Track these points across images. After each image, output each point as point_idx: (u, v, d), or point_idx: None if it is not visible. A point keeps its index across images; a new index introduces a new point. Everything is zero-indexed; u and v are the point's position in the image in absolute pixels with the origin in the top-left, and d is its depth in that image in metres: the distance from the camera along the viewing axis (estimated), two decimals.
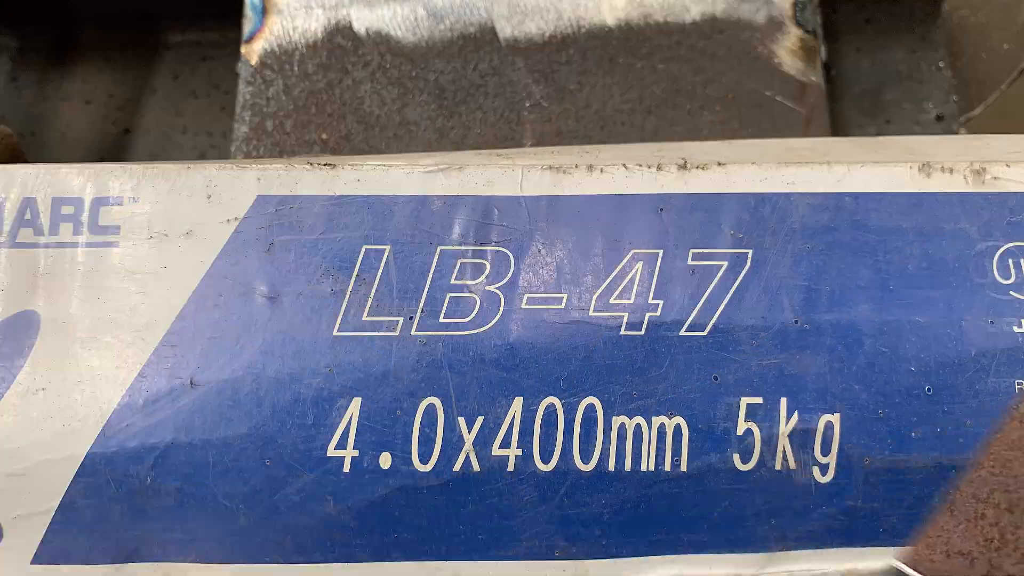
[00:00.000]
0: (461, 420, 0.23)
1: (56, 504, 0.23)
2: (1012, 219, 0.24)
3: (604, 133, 0.36)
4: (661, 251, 0.24)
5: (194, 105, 0.43)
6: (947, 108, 0.41)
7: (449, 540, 0.23)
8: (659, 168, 0.24)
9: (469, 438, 0.23)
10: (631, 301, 0.23)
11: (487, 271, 0.24)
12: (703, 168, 0.24)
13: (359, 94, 0.37)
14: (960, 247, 0.24)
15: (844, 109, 0.41)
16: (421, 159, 0.25)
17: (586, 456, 0.23)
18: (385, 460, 0.23)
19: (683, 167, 0.24)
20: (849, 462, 0.23)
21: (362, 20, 0.38)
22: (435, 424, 0.23)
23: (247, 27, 0.38)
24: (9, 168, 0.24)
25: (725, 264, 0.24)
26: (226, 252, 0.24)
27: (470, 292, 0.24)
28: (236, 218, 0.24)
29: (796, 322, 0.23)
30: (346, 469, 0.23)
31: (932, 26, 0.42)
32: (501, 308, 0.23)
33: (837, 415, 0.23)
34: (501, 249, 0.24)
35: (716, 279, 0.24)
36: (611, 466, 0.23)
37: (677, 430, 0.23)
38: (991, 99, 0.40)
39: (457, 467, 0.23)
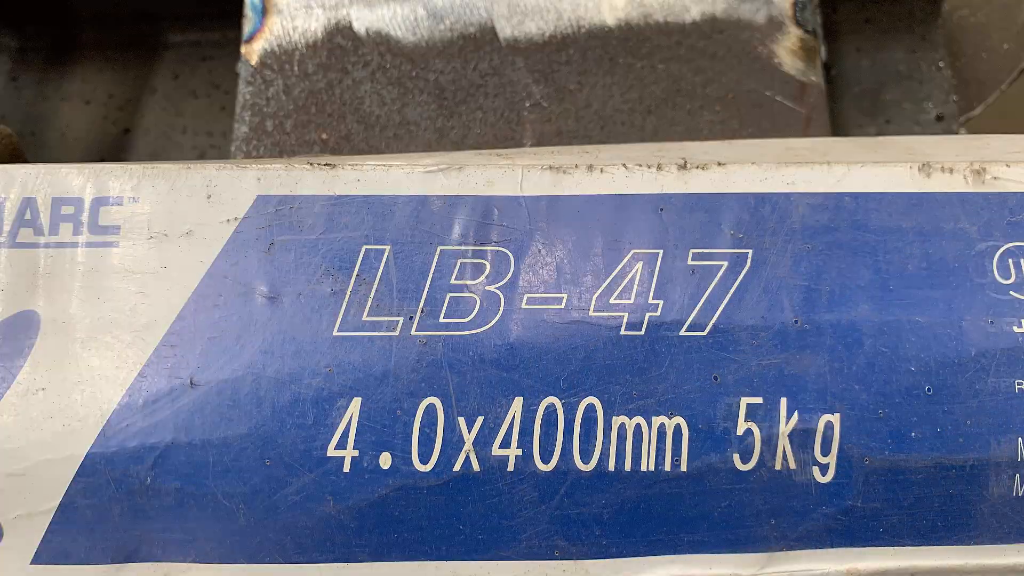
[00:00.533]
0: (461, 420, 0.23)
1: (56, 504, 0.23)
2: (1012, 219, 0.24)
3: (604, 133, 0.36)
4: (661, 251, 0.24)
5: (194, 105, 0.43)
6: (947, 108, 0.41)
7: (449, 540, 0.23)
8: (659, 168, 0.24)
9: (469, 438, 0.23)
10: (631, 301, 0.23)
11: (487, 271, 0.24)
12: (703, 168, 0.24)
13: (359, 94, 0.37)
14: (960, 247, 0.24)
15: (844, 109, 0.41)
16: (421, 159, 0.25)
17: (586, 456, 0.23)
18: (385, 460, 0.23)
19: (683, 167, 0.24)
20: (849, 462, 0.23)
21: (362, 20, 0.38)
22: (435, 424, 0.23)
23: (247, 27, 0.38)
24: (9, 168, 0.24)
25: (725, 264, 0.24)
26: (226, 252, 0.24)
27: (470, 292, 0.24)
28: (236, 218, 0.24)
29: (796, 322, 0.23)
30: (346, 469, 0.23)
31: (932, 26, 0.42)
32: (501, 308, 0.23)
33: (837, 415, 0.23)
34: (501, 249, 0.24)
35: (716, 279, 0.24)
36: (611, 466, 0.23)
37: (677, 430, 0.23)
38: (991, 99, 0.40)
39: (457, 467, 0.23)
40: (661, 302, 0.23)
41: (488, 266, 0.24)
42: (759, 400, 0.23)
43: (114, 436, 0.23)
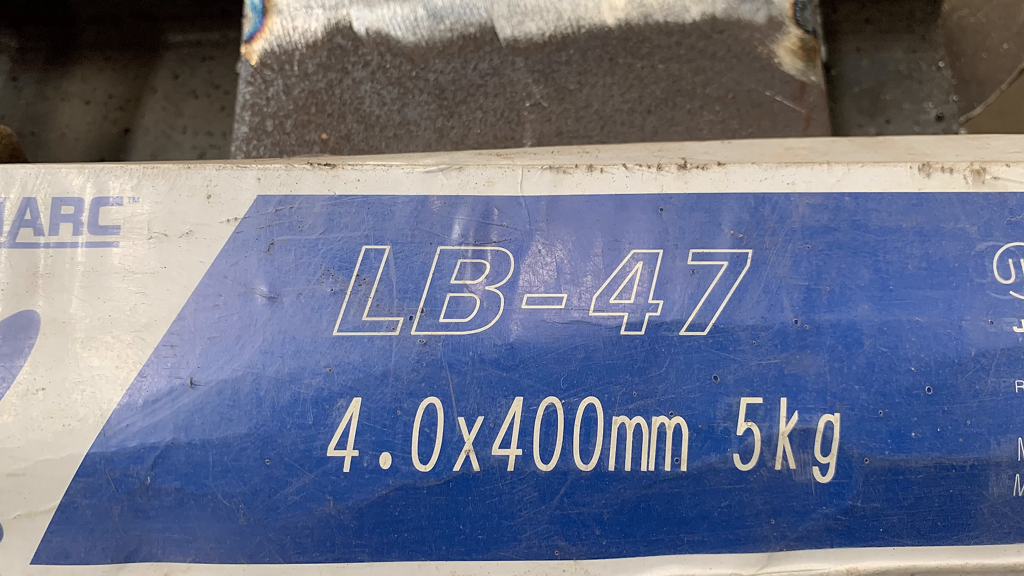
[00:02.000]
0: (461, 420, 0.23)
1: (56, 504, 0.23)
2: (1012, 219, 0.24)
3: (604, 133, 0.36)
4: (661, 251, 0.24)
5: (194, 105, 0.43)
6: (947, 108, 0.41)
7: (449, 540, 0.23)
8: (659, 168, 0.24)
9: (469, 438, 0.23)
10: (631, 301, 0.23)
11: (487, 271, 0.24)
12: (703, 168, 0.24)
13: (359, 94, 0.37)
14: (960, 247, 0.24)
15: (844, 109, 0.41)
16: (421, 159, 0.25)
17: (586, 456, 0.23)
18: (385, 460, 0.23)
19: (683, 167, 0.24)
20: (849, 462, 0.23)
21: (362, 20, 0.38)
22: (435, 424, 0.23)
23: (247, 27, 0.38)
24: (9, 168, 0.24)
25: (725, 264, 0.24)
26: (226, 252, 0.24)
27: (470, 292, 0.24)
28: (236, 218, 0.24)
29: (796, 322, 0.23)
30: (346, 469, 0.23)
31: (932, 26, 0.42)
32: (501, 308, 0.23)
33: (837, 415, 0.23)
34: (501, 249, 0.24)
35: (716, 279, 0.24)
36: (611, 466, 0.23)
37: (677, 430, 0.23)
38: (991, 99, 0.40)
39: (457, 467, 0.23)
40: (661, 302, 0.23)
41: (488, 266, 0.24)
42: (759, 400, 0.23)
43: (114, 436, 0.23)
